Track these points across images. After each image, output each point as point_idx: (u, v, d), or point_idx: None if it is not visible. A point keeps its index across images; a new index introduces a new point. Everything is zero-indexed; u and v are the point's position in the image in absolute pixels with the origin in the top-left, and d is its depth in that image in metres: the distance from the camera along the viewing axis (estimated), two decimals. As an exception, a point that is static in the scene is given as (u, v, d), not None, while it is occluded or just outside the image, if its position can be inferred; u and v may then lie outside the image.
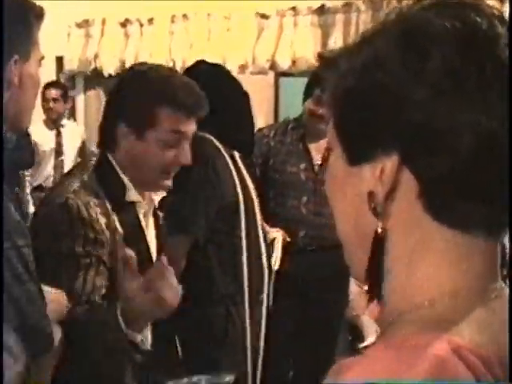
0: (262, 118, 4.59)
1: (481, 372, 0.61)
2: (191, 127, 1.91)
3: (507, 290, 0.72)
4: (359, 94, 0.70)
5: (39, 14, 1.44)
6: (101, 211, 1.77)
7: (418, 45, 0.67)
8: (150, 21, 5.43)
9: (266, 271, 2.60)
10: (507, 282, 0.75)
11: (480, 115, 0.65)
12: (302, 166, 3.22)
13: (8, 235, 1.27)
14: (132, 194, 1.88)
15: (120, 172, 1.87)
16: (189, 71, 2.63)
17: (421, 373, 0.60)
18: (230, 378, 1.14)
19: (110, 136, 1.87)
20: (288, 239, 3.07)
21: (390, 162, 0.68)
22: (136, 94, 1.85)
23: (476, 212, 0.68)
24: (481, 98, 0.66)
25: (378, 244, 0.71)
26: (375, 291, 0.73)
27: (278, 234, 3.01)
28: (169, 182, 1.92)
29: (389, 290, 0.72)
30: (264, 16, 5.00)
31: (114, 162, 1.87)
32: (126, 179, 1.87)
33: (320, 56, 0.82)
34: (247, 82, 3.21)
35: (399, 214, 0.70)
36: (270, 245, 2.80)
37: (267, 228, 2.87)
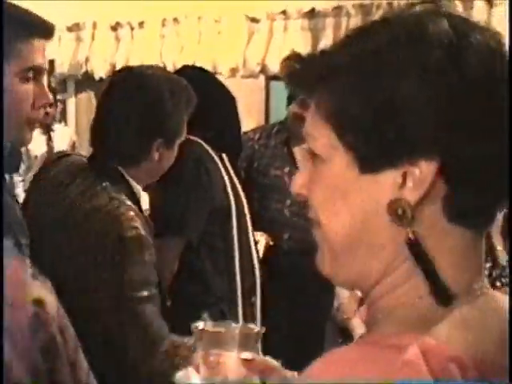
0: (252, 121, 4.61)
1: (450, 375, 0.62)
2: None
3: (492, 291, 0.74)
4: (376, 102, 0.68)
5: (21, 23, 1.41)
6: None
7: (421, 47, 0.68)
8: (141, 24, 5.43)
9: (258, 273, 2.61)
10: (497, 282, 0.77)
11: (504, 130, 0.68)
12: (286, 169, 3.24)
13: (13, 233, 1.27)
14: (138, 191, 1.99)
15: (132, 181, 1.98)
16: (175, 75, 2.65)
17: (385, 375, 0.61)
18: (259, 329, 1.17)
19: (144, 150, 1.97)
20: (271, 243, 3.09)
21: (427, 167, 0.67)
22: (170, 108, 1.96)
23: (485, 210, 0.71)
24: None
25: (415, 248, 0.69)
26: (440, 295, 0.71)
27: (261, 238, 3.03)
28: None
29: (378, 290, 0.73)
30: (254, 20, 5.01)
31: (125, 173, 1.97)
32: (137, 187, 1.99)
33: (291, 58, 0.81)
34: (238, 86, 3.23)
35: (431, 223, 0.70)
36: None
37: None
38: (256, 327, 1.19)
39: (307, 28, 4.89)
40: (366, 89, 0.69)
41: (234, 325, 1.16)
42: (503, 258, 3.64)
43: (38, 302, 0.89)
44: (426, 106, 0.67)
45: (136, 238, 1.81)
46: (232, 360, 1.10)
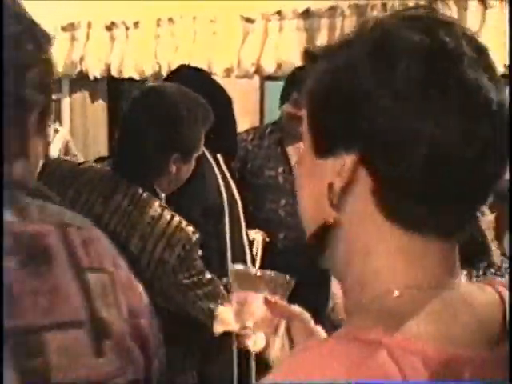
0: (247, 121, 4.61)
1: (414, 370, 0.63)
2: None
3: (469, 286, 0.75)
4: (331, 92, 0.74)
5: None
6: None
7: (386, 54, 0.71)
8: (136, 24, 5.42)
9: None
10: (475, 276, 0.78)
11: (436, 128, 0.68)
12: (280, 169, 3.25)
13: None
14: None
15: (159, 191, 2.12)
16: (172, 75, 2.65)
17: (351, 369, 0.62)
18: (291, 279, 1.28)
19: (157, 165, 2.09)
20: (267, 239, 3.10)
21: (349, 159, 0.72)
22: (187, 124, 2.08)
23: (430, 216, 0.71)
24: (439, 111, 0.68)
25: (323, 232, 0.75)
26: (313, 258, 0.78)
27: (257, 236, 3.04)
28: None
29: (350, 283, 0.75)
30: (249, 20, 5.01)
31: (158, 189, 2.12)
32: (161, 195, 2.15)
33: (306, 51, 0.85)
34: (233, 86, 3.23)
35: (355, 208, 0.74)
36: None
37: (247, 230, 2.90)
38: (288, 277, 1.28)
39: (302, 28, 4.89)
40: (324, 83, 0.76)
41: (267, 271, 1.27)
42: (497, 257, 3.70)
43: None
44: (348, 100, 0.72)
45: (197, 241, 2.06)
46: (259, 300, 1.21)
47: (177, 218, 2.03)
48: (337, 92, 0.73)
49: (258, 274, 1.25)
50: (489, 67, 0.73)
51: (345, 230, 0.75)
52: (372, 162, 0.71)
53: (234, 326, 1.31)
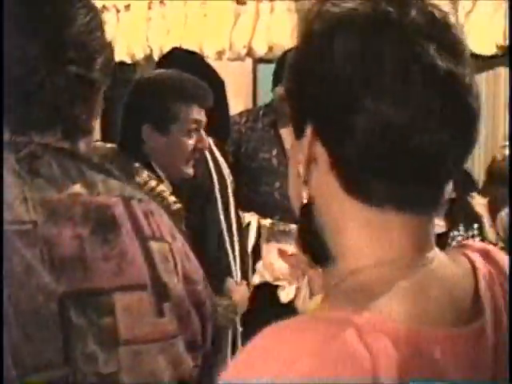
0: (240, 104, 4.60)
1: (384, 349, 0.62)
2: (204, 116, 2.19)
3: (442, 257, 0.74)
4: (291, 73, 0.77)
5: None
6: None
7: (328, 28, 0.72)
8: (127, 7, 5.39)
9: (237, 251, 2.63)
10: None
11: (374, 101, 0.68)
12: (274, 151, 3.24)
13: None
14: (167, 187, 2.13)
15: (155, 166, 2.13)
16: (164, 58, 2.64)
17: (317, 348, 0.62)
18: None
19: (133, 136, 2.12)
20: (263, 222, 3.11)
21: (306, 135, 0.74)
22: (155, 96, 2.10)
23: (390, 191, 0.71)
24: (377, 84, 0.69)
25: (303, 211, 0.76)
26: (312, 258, 0.77)
27: (252, 218, 3.04)
28: (191, 170, 2.20)
29: (326, 261, 0.76)
30: (240, 1, 4.98)
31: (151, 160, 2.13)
32: (160, 172, 2.14)
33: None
34: (225, 69, 3.22)
35: (320, 185, 0.74)
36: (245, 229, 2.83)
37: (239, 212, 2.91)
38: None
39: (294, 10, 4.87)
40: (288, 64, 0.78)
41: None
42: (492, 236, 3.79)
43: None
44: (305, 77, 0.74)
45: (178, 210, 2.05)
46: (274, 252, 1.28)
47: (161, 187, 2.05)
48: (294, 72, 0.76)
49: (285, 228, 1.40)
50: (444, 38, 0.71)
51: (317, 208, 0.75)
52: (324, 137, 0.72)
53: (268, 278, 1.42)
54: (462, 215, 3.82)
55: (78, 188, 0.96)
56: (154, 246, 1.01)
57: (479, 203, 3.85)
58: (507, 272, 0.78)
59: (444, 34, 0.71)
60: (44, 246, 0.92)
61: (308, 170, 0.74)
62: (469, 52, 0.74)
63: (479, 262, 0.77)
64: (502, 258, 0.80)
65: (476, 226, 3.83)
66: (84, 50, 0.98)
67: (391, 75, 0.68)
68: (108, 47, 1.04)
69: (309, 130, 0.73)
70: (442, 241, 3.53)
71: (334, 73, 0.70)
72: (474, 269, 0.76)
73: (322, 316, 0.66)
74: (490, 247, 0.82)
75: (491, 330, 0.71)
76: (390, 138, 0.68)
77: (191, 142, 2.17)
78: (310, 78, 0.73)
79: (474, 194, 3.94)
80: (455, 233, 3.76)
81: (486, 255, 0.79)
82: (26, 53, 0.93)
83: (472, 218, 3.83)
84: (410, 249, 0.72)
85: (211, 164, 2.54)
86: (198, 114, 2.18)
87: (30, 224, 0.92)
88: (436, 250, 0.75)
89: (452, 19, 0.74)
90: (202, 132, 2.20)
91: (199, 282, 1.08)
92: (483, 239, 3.79)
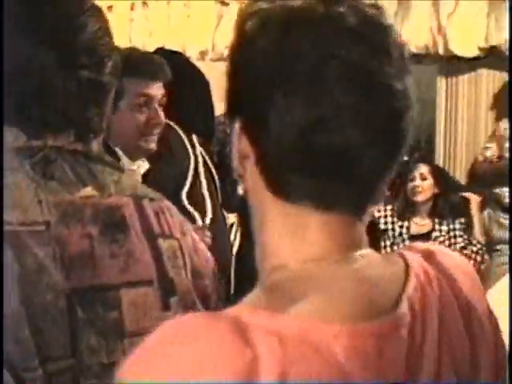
0: (223, 104, 4.59)
1: (270, 348, 0.62)
2: (157, 90, 2.10)
3: (374, 257, 0.74)
4: (228, 71, 0.76)
5: None
6: None
7: (255, 25, 0.73)
8: (110, 8, 5.37)
9: (230, 256, 2.63)
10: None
11: (290, 100, 0.68)
12: (258, 151, 3.25)
13: None
14: (126, 163, 2.07)
15: (111, 145, 2.03)
16: (149, 58, 2.63)
17: (203, 345, 0.62)
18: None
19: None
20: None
21: (235, 133, 0.74)
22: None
23: (311, 190, 0.71)
24: (292, 82, 0.69)
25: (244, 205, 0.76)
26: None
27: (236, 219, 3.04)
28: (152, 145, 2.12)
29: (257, 258, 0.76)
30: (223, 3, 4.99)
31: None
32: (117, 150, 2.05)
33: None
34: (208, 69, 3.22)
35: (251, 181, 0.74)
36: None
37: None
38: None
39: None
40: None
41: None
42: (479, 236, 3.85)
43: None
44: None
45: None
46: None
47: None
48: (228, 71, 0.75)
49: None
50: (374, 38, 0.71)
51: (250, 203, 0.76)
52: (248, 133, 0.72)
53: None
54: (446, 210, 3.83)
55: (89, 190, 1.01)
56: (162, 243, 1.06)
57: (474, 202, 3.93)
58: (454, 272, 0.78)
59: (374, 34, 0.71)
60: (56, 245, 0.96)
61: (242, 165, 0.74)
62: (403, 52, 0.73)
63: (416, 261, 0.77)
64: (448, 259, 0.80)
65: (463, 220, 3.85)
66: (95, 54, 1.03)
67: (305, 74, 0.68)
68: (115, 50, 1.09)
69: (237, 126, 0.73)
70: (426, 241, 3.54)
71: (254, 71, 0.71)
72: (408, 268, 0.75)
73: (219, 313, 0.65)
74: (436, 248, 0.81)
75: (419, 328, 0.70)
76: (301, 135, 0.68)
77: (141, 116, 2.08)
78: (236, 76, 0.74)
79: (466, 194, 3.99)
80: (437, 233, 3.78)
81: (429, 256, 0.79)
82: (42, 64, 0.98)
83: (457, 213, 3.86)
84: (333, 248, 0.72)
85: (192, 163, 2.52)
86: (149, 88, 2.09)
87: (43, 225, 0.97)
88: (367, 250, 0.74)
89: (386, 19, 0.73)
90: (156, 106, 2.11)
91: (207, 275, 1.12)
92: (469, 237, 3.83)
